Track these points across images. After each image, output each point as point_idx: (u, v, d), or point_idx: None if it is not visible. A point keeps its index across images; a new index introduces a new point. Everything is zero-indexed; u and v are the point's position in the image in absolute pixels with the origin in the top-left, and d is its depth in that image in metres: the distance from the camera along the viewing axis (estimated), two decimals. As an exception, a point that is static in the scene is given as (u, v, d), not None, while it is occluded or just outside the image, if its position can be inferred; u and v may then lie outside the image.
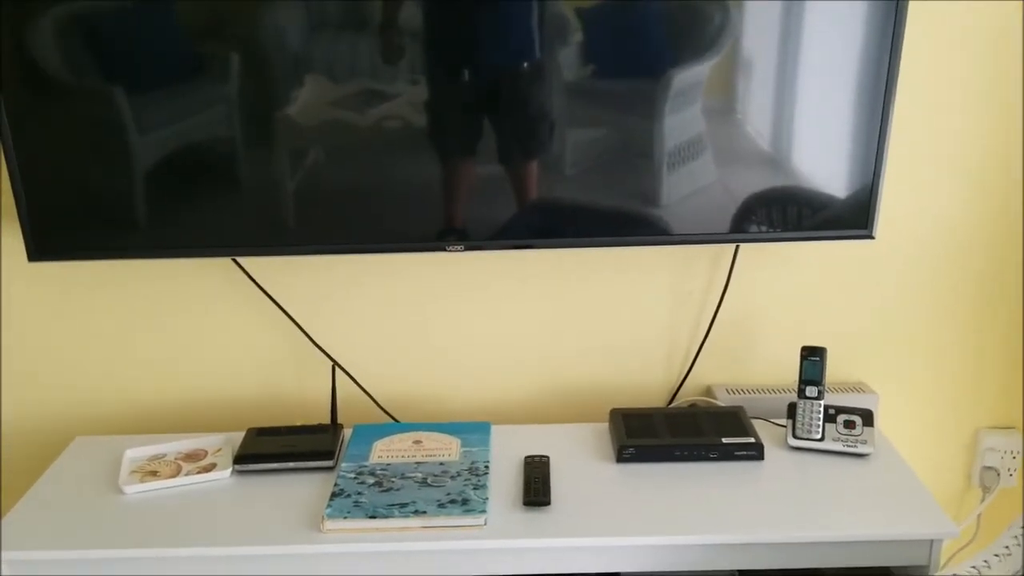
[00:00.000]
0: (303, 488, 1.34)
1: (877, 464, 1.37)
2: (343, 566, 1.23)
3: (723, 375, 1.62)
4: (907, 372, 1.62)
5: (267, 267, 1.53)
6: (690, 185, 1.37)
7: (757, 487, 1.32)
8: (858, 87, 1.33)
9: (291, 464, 1.39)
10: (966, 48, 1.43)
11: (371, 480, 1.33)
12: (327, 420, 1.50)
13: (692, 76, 1.32)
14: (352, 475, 1.34)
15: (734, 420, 1.44)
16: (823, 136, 1.36)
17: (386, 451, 1.41)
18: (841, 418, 1.42)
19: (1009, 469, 1.67)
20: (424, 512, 1.24)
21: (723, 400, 1.56)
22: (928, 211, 1.53)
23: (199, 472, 1.38)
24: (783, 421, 1.45)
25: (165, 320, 1.56)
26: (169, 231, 1.37)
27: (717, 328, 1.58)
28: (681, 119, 1.33)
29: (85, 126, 1.31)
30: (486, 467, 1.36)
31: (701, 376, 1.62)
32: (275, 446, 1.42)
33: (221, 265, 1.52)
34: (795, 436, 1.41)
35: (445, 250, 1.39)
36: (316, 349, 1.57)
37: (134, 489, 1.34)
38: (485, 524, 1.24)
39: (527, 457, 1.39)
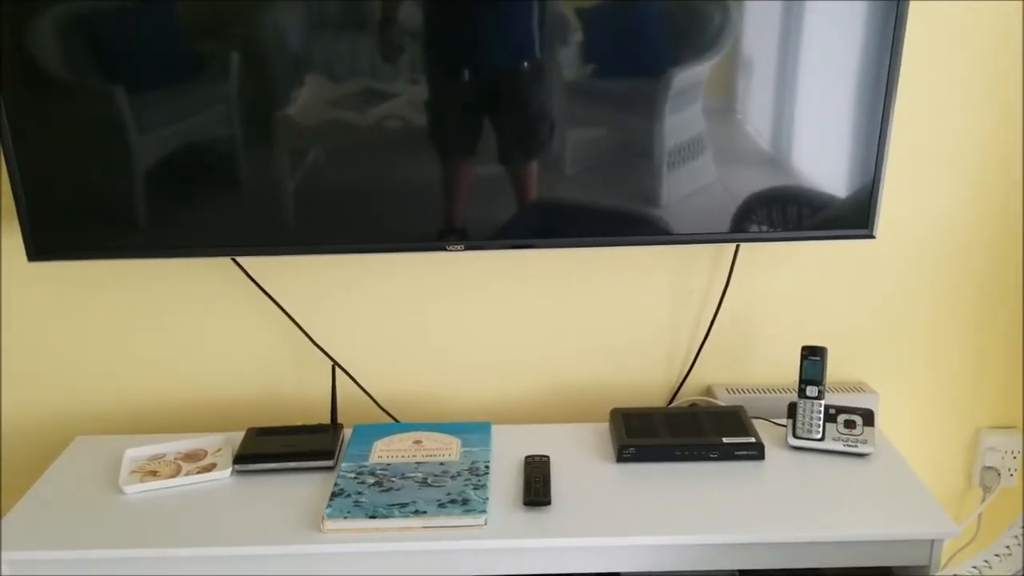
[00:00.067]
0: (303, 488, 1.34)
1: (877, 464, 1.37)
2: (343, 566, 1.23)
3: (723, 375, 1.62)
4: (907, 372, 1.62)
5: (267, 267, 1.53)
6: (690, 185, 1.37)
7: (757, 487, 1.32)
8: (858, 87, 1.33)
9: (291, 464, 1.38)
10: (966, 48, 1.43)
11: (371, 480, 1.33)
12: (327, 420, 1.50)
13: (692, 76, 1.32)
14: (352, 475, 1.34)
15: (734, 420, 1.44)
16: (823, 136, 1.36)
17: (386, 451, 1.41)
18: (841, 418, 1.42)
19: (1009, 469, 1.67)
20: (424, 512, 1.24)
21: (723, 400, 1.56)
22: (928, 211, 1.53)
23: (199, 472, 1.38)
24: (783, 421, 1.45)
25: (165, 320, 1.56)
26: (169, 231, 1.37)
27: (717, 328, 1.58)
28: (681, 119, 1.33)
29: (85, 126, 1.31)
30: (486, 467, 1.36)
31: (701, 376, 1.62)
32: (275, 446, 1.41)
33: (221, 265, 1.52)
34: (795, 436, 1.41)
35: (445, 250, 1.39)
36: (316, 349, 1.57)
37: (134, 489, 1.34)
38: (485, 524, 1.24)
39: (527, 457, 1.39)
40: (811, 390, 1.41)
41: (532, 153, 1.36)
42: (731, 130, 1.35)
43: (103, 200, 1.35)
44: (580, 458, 1.41)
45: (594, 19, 1.30)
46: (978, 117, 1.47)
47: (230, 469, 1.38)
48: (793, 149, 1.37)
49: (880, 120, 1.34)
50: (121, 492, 1.34)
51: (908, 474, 1.35)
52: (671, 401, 1.63)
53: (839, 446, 1.39)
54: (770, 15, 1.29)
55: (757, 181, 1.38)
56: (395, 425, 1.53)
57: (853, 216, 1.40)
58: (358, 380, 1.59)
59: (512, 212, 1.38)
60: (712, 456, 1.38)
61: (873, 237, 1.41)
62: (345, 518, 1.23)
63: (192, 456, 1.43)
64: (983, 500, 1.69)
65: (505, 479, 1.35)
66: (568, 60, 1.31)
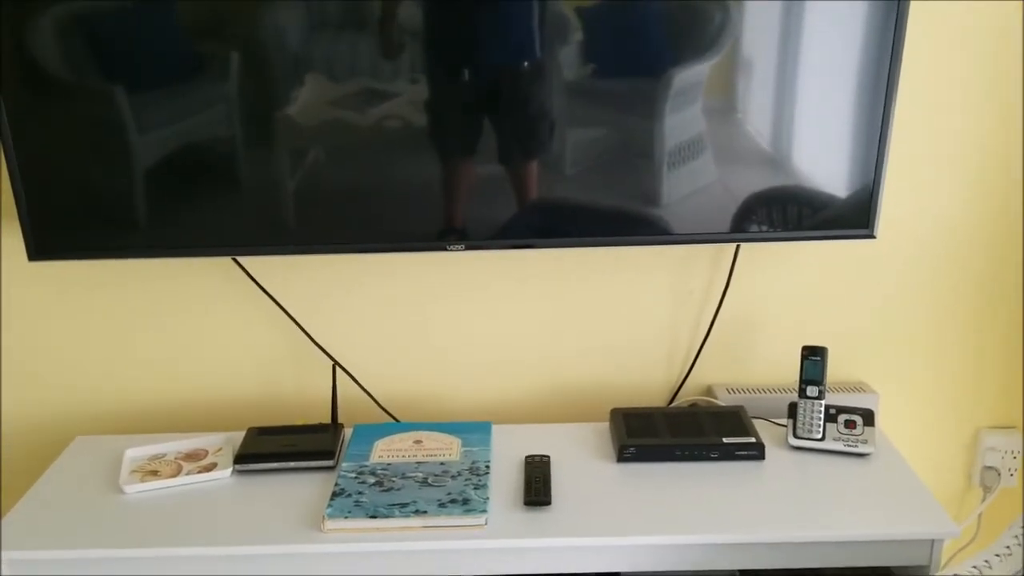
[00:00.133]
0: (303, 488, 1.34)
1: (878, 464, 1.37)
2: (343, 566, 1.23)
3: (724, 375, 1.62)
4: (907, 372, 1.62)
5: (267, 266, 1.53)
6: (690, 185, 1.37)
7: (758, 487, 1.32)
8: (859, 87, 1.33)
9: (291, 464, 1.38)
10: (966, 48, 1.43)
11: (372, 480, 1.33)
12: (327, 420, 1.50)
13: (692, 76, 1.32)
14: (353, 475, 1.34)
15: (735, 420, 1.44)
16: (824, 136, 1.36)
17: (387, 451, 1.41)
18: (842, 418, 1.42)
19: (1010, 469, 1.67)
20: (425, 512, 1.24)
21: (724, 400, 1.56)
22: (928, 211, 1.53)
23: (199, 472, 1.38)
24: (784, 421, 1.45)
25: (165, 320, 1.56)
26: (169, 231, 1.37)
27: (718, 328, 1.58)
28: (681, 119, 1.33)
29: (85, 126, 1.31)
30: (487, 467, 1.36)
31: (702, 376, 1.62)
32: (275, 446, 1.41)
33: (221, 265, 1.52)
34: (796, 436, 1.41)
35: (446, 249, 1.39)
36: (316, 349, 1.57)
37: (134, 489, 1.34)
38: (486, 524, 1.24)
39: (528, 457, 1.39)
40: (811, 390, 1.41)
41: (532, 153, 1.36)
42: (731, 130, 1.35)
43: (103, 200, 1.35)
44: (580, 458, 1.41)
45: (594, 19, 1.30)
46: (978, 117, 1.47)
47: (231, 469, 1.38)
48: (793, 149, 1.37)
49: (880, 120, 1.34)
50: (121, 492, 1.34)
51: (908, 474, 1.35)
52: (671, 401, 1.63)
53: (839, 446, 1.39)
54: (770, 15, 1.29)
55: (757, 181, 1.38)
56: (395, 425, 1.53)
57: (853, 216, 1.40)
58: (358, 380, 1.59)
59: (512, 212, 1.38)
60: (712, 456, 1.38)
61: (873, 237, 1.41)
62: (346, 518, 1.23)
63: (192, 456, 1.43)
64: (983, 500, 1.69)
65: (505, 479, 1.35)
66: (568, 60, 1.31)
